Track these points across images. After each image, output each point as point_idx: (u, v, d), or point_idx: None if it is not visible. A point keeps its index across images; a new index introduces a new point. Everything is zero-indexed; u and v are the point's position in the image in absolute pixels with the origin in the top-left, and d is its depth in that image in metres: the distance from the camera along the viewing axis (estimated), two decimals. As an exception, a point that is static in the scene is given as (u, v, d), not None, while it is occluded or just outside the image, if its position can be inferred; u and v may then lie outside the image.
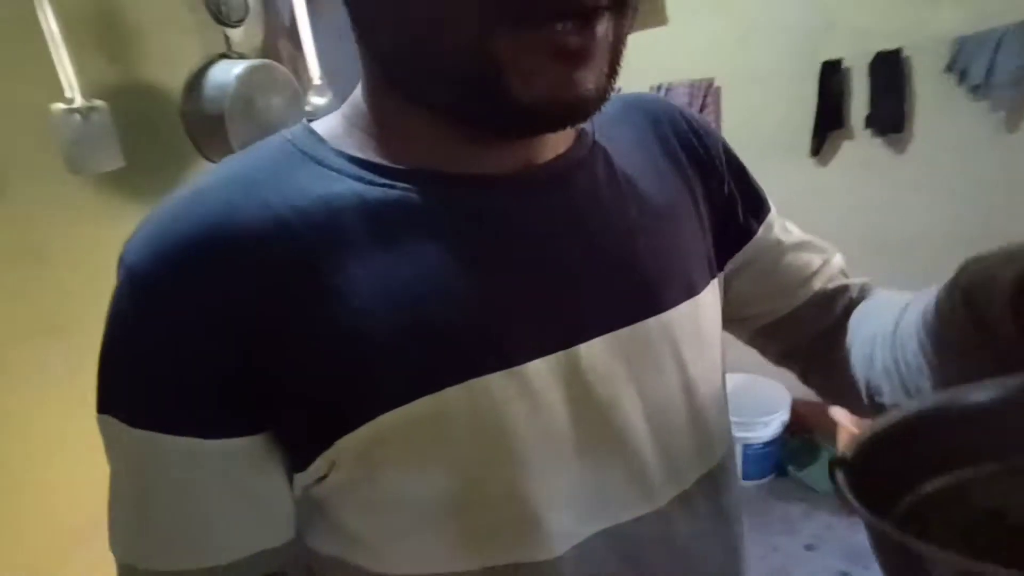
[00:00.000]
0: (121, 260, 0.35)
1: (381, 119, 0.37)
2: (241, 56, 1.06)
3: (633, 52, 0.31)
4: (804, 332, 0.49)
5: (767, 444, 1.84)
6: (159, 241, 0.33)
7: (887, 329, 0.41)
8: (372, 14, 0.33)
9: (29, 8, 0.80)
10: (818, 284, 0.48)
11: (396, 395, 0.33)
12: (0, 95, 0.88)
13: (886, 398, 0.42)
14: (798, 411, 1.94)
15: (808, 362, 0.51)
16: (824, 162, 1.74)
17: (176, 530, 0.34)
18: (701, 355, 0.41)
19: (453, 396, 0.33)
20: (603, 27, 0.30)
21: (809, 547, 1.62)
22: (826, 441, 1.94)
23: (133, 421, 0.33)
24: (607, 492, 0.37)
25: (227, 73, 1.02)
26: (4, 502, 0.94)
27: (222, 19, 1.02)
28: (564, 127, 0.35)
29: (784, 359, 0.52)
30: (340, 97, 1.20)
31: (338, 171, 0.35)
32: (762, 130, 1.76)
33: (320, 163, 0.36)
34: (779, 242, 0.48)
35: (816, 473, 1.87)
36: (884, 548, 0.25)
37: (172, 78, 1.06)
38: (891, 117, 1.58)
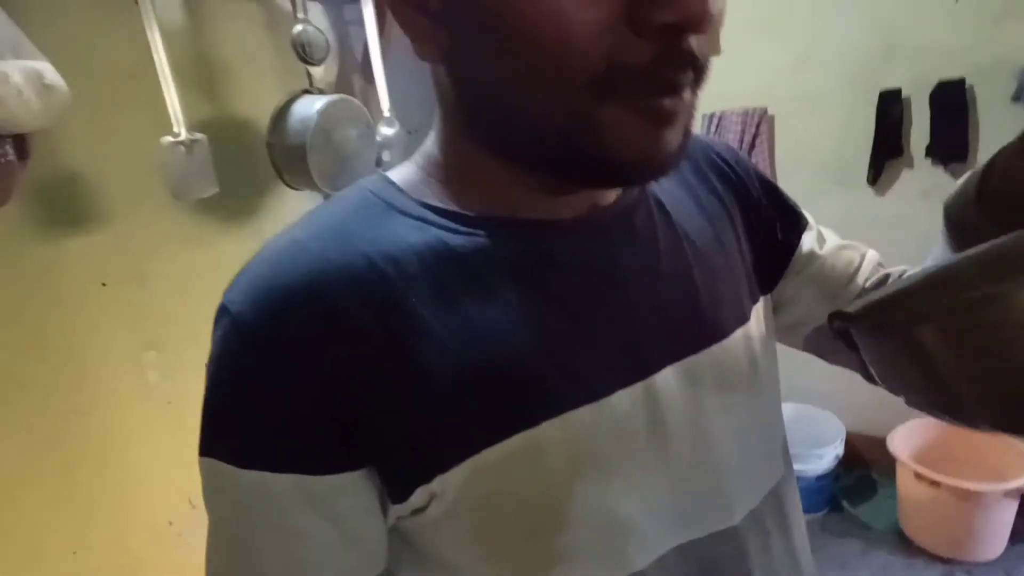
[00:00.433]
0: (224, 308, 0.36)
1: (458, 168, 0.39)
2: (321, 91, 1.14)
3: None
4: None
5: (820, 478, 1.79)
6: (263, 292, 0.35)
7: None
8: (473, 75, 0.35)
9: (146, 52, 0.89)
10: (861, 279, 0.50)
11: (495, 432, 0.35)
12: (116, 130, 0.97)
13: None
14: (853, 444, 1.89)
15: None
16: (882, 191, 1.72)
17: (280, 567, 0.35)
18: (758, 374, 0.44)
19: (548, 429, 0.35)
20: (688, 93, 0.33)
21: (866, 587, 1.57)
22: (884, 477, 1.87)
23: (241, 463, 0.34)
24: (687, 509, 0.40)
25: (309, 107, 1.10)
26: (105, 500, 1.01)
27: (306, 58, 1.10)
28: (649, 181, 0.39)
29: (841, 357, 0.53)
30: (405, 126, 1.27)
31: (422, 220, 0.37)
32: (817, 158, 1.75)
33: (404, 213, 0.37)
34: (820, 249, 0.50)
35: (873, 510, 1.80)
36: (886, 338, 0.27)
37: (260, 112, 1.14)
38: (953, 146, 1.55)
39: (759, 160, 1.82)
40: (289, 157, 1.11)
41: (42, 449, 0.93)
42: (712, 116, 1.85)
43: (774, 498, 0.44)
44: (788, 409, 1.99)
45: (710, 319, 0.42)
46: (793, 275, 0.49)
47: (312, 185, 1.14)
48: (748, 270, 0.46)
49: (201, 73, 1.13)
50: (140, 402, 1.05)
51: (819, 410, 1.96)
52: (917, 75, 1.57)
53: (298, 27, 1.08)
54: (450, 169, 0.39)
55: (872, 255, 0.52)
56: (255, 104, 1.18)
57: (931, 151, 1.59)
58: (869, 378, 0.50)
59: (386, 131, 1.29)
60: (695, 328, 0.41)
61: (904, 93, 1.59)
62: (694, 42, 0.31)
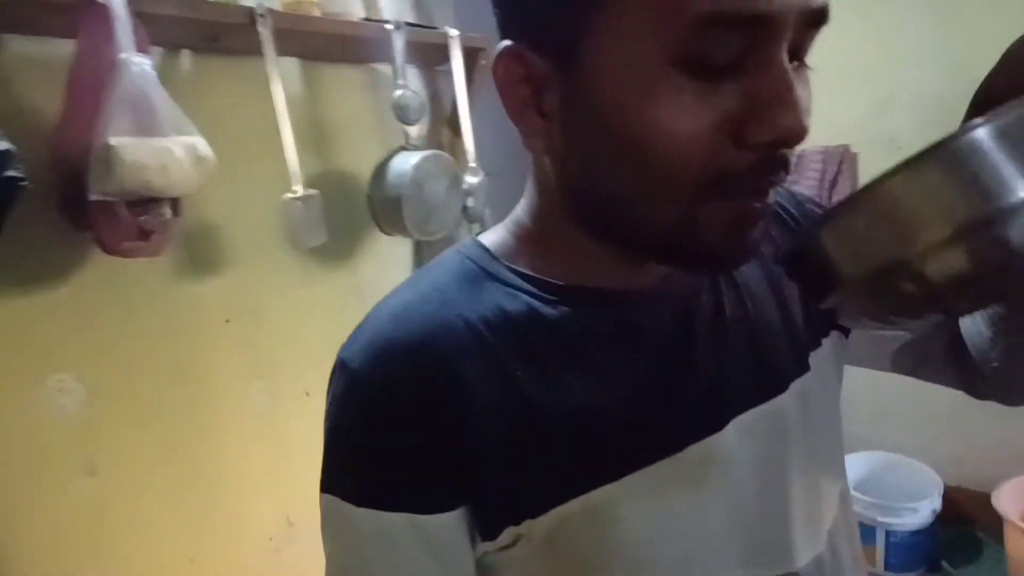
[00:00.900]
0: (343, 364, 0.39)
1: (548, 239, 0.42)
2: (416, 148, 1.25)
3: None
4: (939, 336, 0.49)
5: (915, 533, 1.68)
6: (378, 349, 0.38)
7: None
8: (580, 172, 0.37)
9: (272, 118, 1.03)
10: None
11: (580, 485, 0.38)
12: (245, 187, 1.12)
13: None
14: (953, 499, 1.76)
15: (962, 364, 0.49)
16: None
17: None
18: (816, 422, 0.45)
19: (627, 484, 0.38)
20: (773, 192, 0.36)
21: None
22: (989, 536, 1.73)
23: (358, 501, 0.38)
24: (752, 556, 0.42)
25: (406, 163, 1.21)
26: (216, 513, 1.12)
27: (403, 119, 1.22)
28: (735, 268, 0.42)
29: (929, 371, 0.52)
30: (486, 170, 1.35)
31: (515, 287, 0.41)
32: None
33: (498, 280, 0.41)
34: None
35: (979, 573, 1.67)
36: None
37: (363, 167, 1.27)
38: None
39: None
40: (386, 207, 1.22)
41: (167, 464, 1.05)
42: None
43: (832, 536, 0.46)
44: (878, 458, 1.89)
45: (770, 373, 0.44)
46: None
47: (405, 232, 1.24)
48: (810, 314, 0.47)
49: (316, 134, 1.27)
50: (249, 426, 1.17)
51: (913, 460, 1.85)
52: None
53: (398, 92, 1.20)
54: (540, 238, 0.42)
55: None
56: (359, 160, 1.31)
57: None
58: (972, 391, 0.49)
59: (471, 180, 1.39)
60: (757, 382, 0.43)
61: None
62: (788, 151, 0.33)
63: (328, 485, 0.40)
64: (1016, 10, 1.47)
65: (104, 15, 0.76)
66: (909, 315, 0.29)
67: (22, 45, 0.85)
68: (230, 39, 1.01)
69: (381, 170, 1.23)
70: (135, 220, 0.80)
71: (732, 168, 0.33)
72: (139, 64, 0.78)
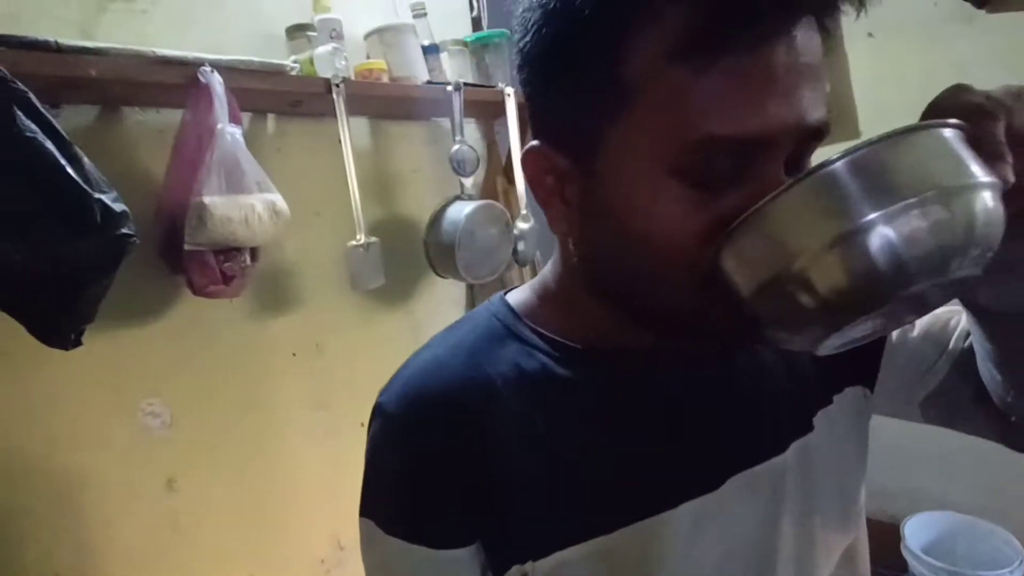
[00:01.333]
0: (380, 406, 0.44)
1: (568, 304, 0.46)
2: (471, 197, 1.34)
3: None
4: (965, 385, 0.48)
5: (990, 604, 1.57)
6: (411, 398, 0.43)
7: None
8: (596, 255, 0.41)
9: (341, 171, 1.14)
10: (953, 326, 0.49)
11: (579, 534, 0.41)
12: (314, 234, 1.24)
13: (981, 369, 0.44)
14: (1035, 571, 1.63)
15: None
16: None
17: None
18: (825, 477, 0.47)
19: (621, 536, 0.41)
20: None
21: None
22: (1077, 615, 1.59)
23: (387, 529, 0.43)
24: None
25: (459, 212, 1.30)
26: (275, 533, 1.21)
27: (459, 172, 1.31)
28: (739, 349, 0.45)
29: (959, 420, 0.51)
30: (538, 220, 1.42)
31: (534, 347, 0.45)
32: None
33: (519, 339, 0.45)
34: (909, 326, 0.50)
35: (1063, 654, 1.53)
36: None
37: (421, 214, 1.37)
38: None
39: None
40: (441, 253, 1.31)
41: (235, 484, 1.15)
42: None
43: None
44: (949, 519, 1.78)
45: (770, 433, 0.47)
46: (888, 356, 0.50)
47: (458, 276, 1.32)
48: (821, 370, 0.49)
49: (381, 185, 1.39)
50: (308, 453, 1.26)
51: (990, 524, 1.73)
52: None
53: (455, 146, 1.30)
54: (561, 302, 0.47)
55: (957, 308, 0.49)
56: (418, 208, 1.41)
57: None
58: (1006, 441, 0.48)
59: (522, 226, 1.46)
60: (756, 442, 0.46)
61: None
62: None
63: (365, 510, 0.45)
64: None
65: (206, 93, 0.90)
66: (798, 328, 0.33)
67: (138, 116, 1.01)
68: (310, 104, 1.14)
69: (437, 218, 1.32)
70: (220, 266, 0.91)
71: None
72: (232, 133, 0.91)
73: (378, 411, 0.45)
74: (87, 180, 0.72)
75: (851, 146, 0.30)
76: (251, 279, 0.99)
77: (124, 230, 0.74)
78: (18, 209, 0.67)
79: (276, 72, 1.00)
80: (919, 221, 0.28)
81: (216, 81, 0.89)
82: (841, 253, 0.29)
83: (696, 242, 0.35)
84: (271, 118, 1.19)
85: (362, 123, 1.35)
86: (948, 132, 0.31)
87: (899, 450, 1.64)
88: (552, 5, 0.36)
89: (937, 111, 0.33)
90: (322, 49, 1.08)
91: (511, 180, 1.53)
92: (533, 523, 0.42)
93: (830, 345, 0.34)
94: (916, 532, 1.75)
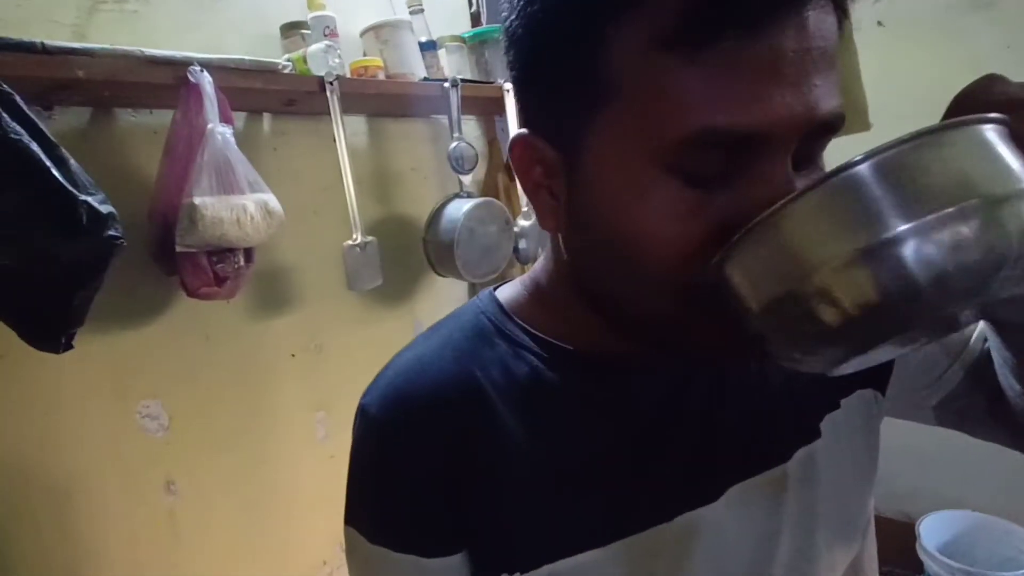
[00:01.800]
0: (362, 408, 0.42)
1: (559, 304, 0.43)
2: (470, 195, 1.32)
3: (834, 155, 0.33)
4: (979, 392, 0.47)
5: (1010, 607, 1.53)
6: (393, 400, 0.41)
7: None
8: (584, 257, 0.39)
9: (337, 171, 1.13)
10: (969, 343, 0.47)
11: (570, 547, 0.39)
12: (310, 234, 1.23)
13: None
14: (1056, 571, 1.59)
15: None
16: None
17: None
18: (829, 486, 0.44)
19: (616, 549, 0.39)
20: None
21: None
22: (1098, 617, 1.54)
23: (372, 538, 0.41)
24: None
25: (459, 210, 1.28)
26: (276, 534, 1.21)
27: (458, 169, 1.29)
28: (724, 366, 0.42)
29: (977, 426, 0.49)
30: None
31: (523, 347, 0.43)
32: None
33: (508, 339, 0.43)
34: None
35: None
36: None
37: (420, 212, 1.36)
38: None
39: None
40: (440, 251, 1.30)
41: (235, 486, 1.15)
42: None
43: None
44: (967, 519, 1.74)
45: (771, 442, 0.44)
46: (901, 359, 0.47)
47: (457, 274, 1.31)
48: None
49: (379, 184, 1.38)
50: (308, 453, 1.25)
51: (1009, 524, 1.69)
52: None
53: (453, 144, 1.28)
54: (551, 301, 0.44)
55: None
56: (416, 206, 1.40)
57: None
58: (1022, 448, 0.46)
59: (523, 223, 1.44)
60: (756, 452, 0.43)
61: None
62: None
63: (349, 518, 0.44)
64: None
65: (196, 92, 0.89)
66: (814, 348, 0.29)
67: (131, 117, 1.00)
68: (305, 103, 1.13)
69: (436, 216, 1.31)
70: (212, 267, 0.91)
71: None
72: (222, 133, 0.90)
73: (361, 414, 0.43)
74: (73, 182, 0.72)
75: (878, 146, 0.26)
76: (246, 280, 0.98)
77: (111, 232, 0.73)
78: (2, 211, 0.67)
79: (268, 71, 1.00)
80: (960, 234, 0.25)
81: (206, 80, 0.89)
82: (873, 267, 0.25)
83: (687, 247, 0.32)
84: (267, 117, 1.18)
85: (359, 121, 1.34)
86: (989, 129, 0.27)
87: (915, 449, 1.60)
88: None
89: (967, 104, 0.30)
90: (315, 47, 1.07)
91: (512, 177, 1.51)
92: (522, 533, 0.40)
93: (844, 369, 0.30)
94: (932, 532, 1.71)
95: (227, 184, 0.90)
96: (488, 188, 1.58)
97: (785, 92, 0.30)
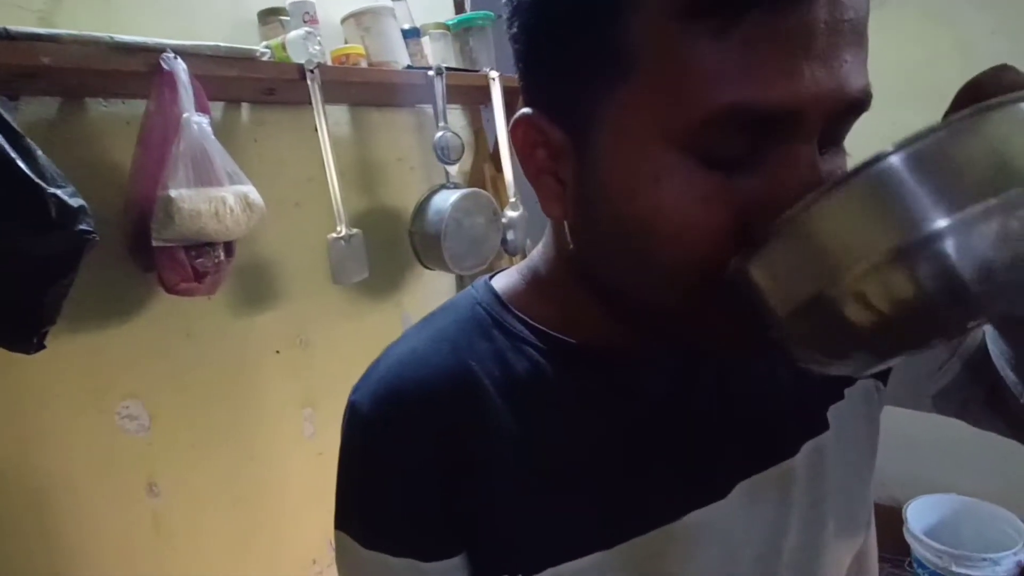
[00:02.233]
0: (352, 405, 0.40)
1: (560, 294, 0.41)
2: (456, 186, 1.30)
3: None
4: (978, 384, 0.46)
5: (995, 588, 1.55)
6: (384, 396, 0.39)
7: None
8: (592, 245, 0.36)
9: (320, 161, 1.10)
10: (968, 336, 0.46)
11: (574, 550, 0.38)
12: (294, 226, 1.20)
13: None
14: (1040, 552, 1.61)
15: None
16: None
17: None
18: (834, 478, 0.43)
19: (622, 551, 0.38)
20: None
21: None
22: (1083, 597, 1.57)
23: (364, 543, 0.39)
24: None
25: (445, 201, 1.26)
26: (264, 533, 1.19)
27: (443, 159, 1.27)
28: (738, 360, 0.41)
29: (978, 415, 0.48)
30: (528, 208, 1.39)
31: (522, 340, 0.40)
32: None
33: (506, 331, 0.41)
34: None
35: (1068, 636, 1.51)
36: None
37: (406, 204, 1.33)
38: None
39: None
40: (426, 243, 1.27)
41: (221, 486, 1.12)
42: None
43: None
44: (952, 502, 1.76)
45: (778, 436, 0.43)
46: None
47: (445, 267, 1.29)
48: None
49: (363, 175, 1.35)
50: (296, 451, 1.23)
51: (994, 507, 1.71)
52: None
53: (439, 133, 1.25)
54: (551, 291, 0.42)
55: None
56: (402, 198, 1.38)
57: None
58: (1021, 439, 0.46)
59: (511, 214, 1.42)
60: (764, 446, 0.42)
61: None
62: None
63: (340, 522, 0.41)
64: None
65: (170, 80, 0.85)
66: (845, 353, 0.28)
67: (103, 107, 0.97)
68: (285, 92, 1.09)
69: (422, 207, 1.28)
70: (191, 262, 0.88)
71: None
72: (199, 122, 0.87)
73: (350, 411, 0.41)
74: (41, 174, 0.68)
75: (911, 135, 0.24)
76: (226, 275, 0.95)
77: (82, 226, 0.70)
78: (-36, 206, 0.64)
79: (246, 58, 0.96)
80: (1006, 225, 0.23)
81: (180, 68, 0.85)
82: (913, 266, 0.24)
83: (706, 235, 0.29)
84: (245, 107, 1.15)
85: (342, 111, 1.31)
86: None
87: (901, 434, 1.61)
88: None
89: (977, 94, 0.28)
90: (294, 34, 1.03)
91: (499, 168, 1.48)
92: (522, 535, 0.38)
93: (873, 370, 0.29)
94: (919, 515, 1.73)
95: (205, 176, 0.87)
96: (474, 179, 1.55)
97: (816, 68, 0.28)
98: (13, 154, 0.66)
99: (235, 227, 0.89)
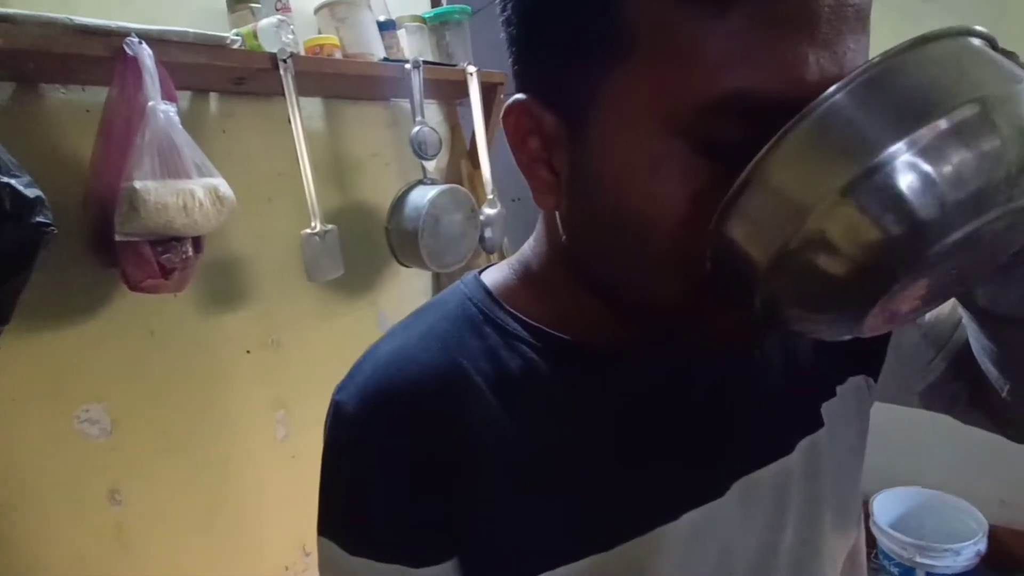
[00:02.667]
0: (337, 405, 0.38)
1: (553, 289, 0.40)
2: (433, 181, 1.28)
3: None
4: (963, 381, 0.47)
5: (957, 577, 1.60)
6: (373, 398, 0.37)
7: None
8: (586, 238, 0.35)
9: (293, 155, 1.06)
10: (953, 334, 0.46)
11: (570, 553, 0.36)
12: (266, 222, 1.16)
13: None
14: (1000, 540, 1.67)
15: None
16: None
17: None
18: (829, 476, 0.43)
19: (620, 553, 0.37)
20: None
21: None
22: (1040, 583, 1.63)
23: (350, 549, 0.37)
24: None
25: (422, 197, 1.24)
26: (235, 541, 1.14)
27: (420, 154, 1.24)
28: (737, 356, 0.40)
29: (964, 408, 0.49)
30: (507, 195, 1.37)
31: (515, 337, 0.39)
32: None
33: (498, 328, 0.39)
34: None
35: (1027, 621, 1.57)
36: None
37: (382, 200, 1.30)
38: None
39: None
40: (403, 240, 1.24)
41: (188, 493, 1.07)
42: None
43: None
44: (916, 495, 1.81)
45: (775, 434, 0.42)
46: (894, 345, 0.47)
47: (422, 264, 1.26)
48: (822, 362, 0.45)
49: (338, 170, 1.31)
50: (269, 455, 1.19)
51: (956, 499, 1.76)
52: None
53: (415, 128, 1.23)
54: (544, 286, 0.41)
55: None
56: (377, 194, 1.34)
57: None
58: (1004, 433, 0.47)
59: (489, 211, 1.40)
60: (760, 444, 0.42)
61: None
62: None
63: (324, 529, 0.40)
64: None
65: (133, 66, 0.81)
66: (827, 305, 0.27)
67: (61, 94, 0.91)
68: (255, 82, 1.05)
69: (399, 204, 1.26)
70: (157, 258, 0.83)
71: None
72: (165, 111, 0.83)
73: (336, 412, 0.39)
74: (-7, 162, 0.64)
75: (858, 69, 0.25)
76: (195, 272, 0.91)
77: (39, 218, 0.66)
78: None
79: (215, 45, 0.92)
80: (958, 143, 0.23)
81: (145, 53, 0.81)
82: (864, 199, 0.24)
83: (704, 225, 0.28)
84: (214, 97, 1.10)
85: (315, 103, 1.27)
86: (977, 41, 0.26)
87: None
88: None
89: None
90: (266, 21, 1.00)
91: (476, 164, 1.47)
92: (518, 539, 0.37)
93: (868, 328, 0.28)
94: (884, 508, 1.78)
95: (172, 167, 0.83)
96: (451, 176, 1.53)
97: (820, 54, 0.27)
98: (-38, 140, 0.61)
99: (204, 221, 0.85)
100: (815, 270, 0.25)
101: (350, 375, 0.40)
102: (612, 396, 0.39)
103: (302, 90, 1.05)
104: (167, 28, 0.86)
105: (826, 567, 0.44)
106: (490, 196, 1.42)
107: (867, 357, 0.47)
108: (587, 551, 0.37)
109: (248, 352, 1.16)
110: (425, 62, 1.24)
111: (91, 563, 0.96)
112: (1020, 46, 0.29)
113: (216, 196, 0.87)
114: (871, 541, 1.72)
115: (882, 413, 0.49)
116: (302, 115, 1.05)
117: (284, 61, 1.00)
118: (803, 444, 0.43)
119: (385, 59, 1.23)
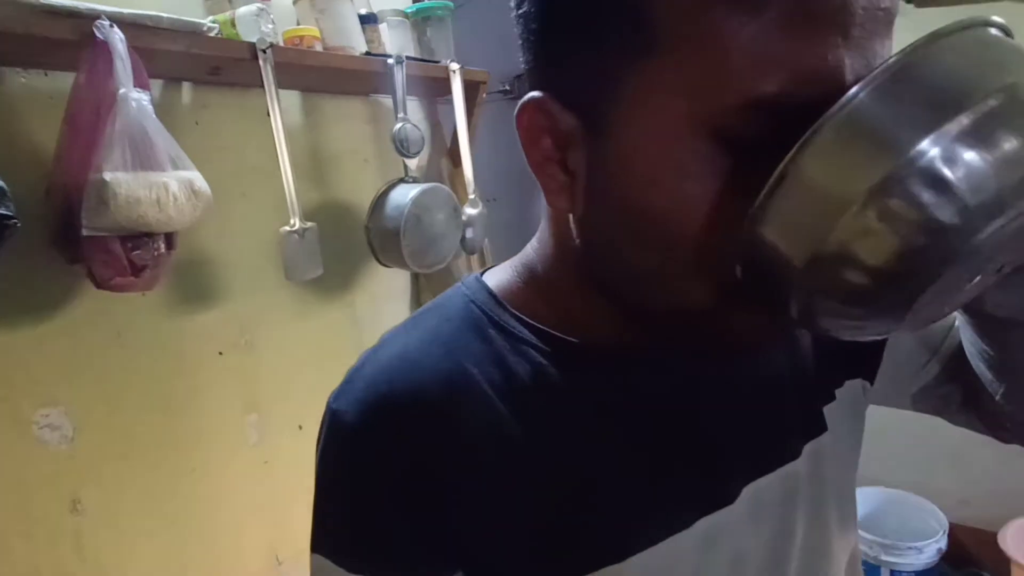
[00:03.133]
0: (334, 414, 0.37)
1: (561, 293, 0.39)
2: (415, 180, 1.25)
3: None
4: (955, 385, 0.47)
5: (920, 573, 1.65)
6: (373, 406, 0.36)
7: None
8: (602, 241, 0.34)
9: (272, 150, 1.02)
10: (946, 338, 0.47)
11: (584, 563, 0.35)
12: (243, 218, 1.11)
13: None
14: (959, 539, 1.72)
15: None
16: None
17: None
18: (832, 479, 0.43)
19: (636, 563, 0.36)
20: None
21: None
22: (996, 578, 1.69)
23: (346, 565, 0.36)
24: None
25: (404, 195, 1.21)
26: (205, 551, 1.09)
27: (403, 152, 1.22)
28: (757, 357, 0.40)
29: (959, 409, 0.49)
30: (485, 196, 1.35)
31: (522, 340, 0.38)
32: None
33: (503, 331, 0.38)
34: None
35: (986, 616, 1.63)
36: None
37: (362, 198, 1.27)
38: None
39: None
40: (384, 239, 1.21)
41: (155, 499, 1.02)
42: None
43: None
44: (881, 494, 1.86)
45: (782, 438, 0.42)
46: (890, 349, 0.47)
47: (403, 264, 1.23)
48: (822, 366, 0.45)
49: (316, 166, 1.27)
50: (240, 461, 1.15)
51: (918, 498, 1.82)
52: None
53: (398, 125, 1.20)
54: (551, 289, 0.39)
55: None
56: (359, 191, 1.31)
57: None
58: (997, 436, 0.47)
59: (470, 211, 1.38)
60: (768, 449, 0.42)
61: None
62: None
63: (316, 544, 0.38)
64: None
65: (104, 51, 0.76)
66: (867, 299, 0.27)
67: (22, 79, 0.86)
68: (231, 72, 1.01)
69: (380, 202, 1.22)
70: (128, 255, 0.79)
71: None
72: (137, 99, 0.78)
73: (332, 421, 0.37)
74: (-51, 149, 0.59)
75: (890, 58, 0.25)
76: (166, 269, 0.87)
77: (1, 210, 0.61)
78: None
79: (191, 32, 0.88)
80: (999, 126, 0.23)
81: (116, 38, 0.76)
82: (908, 188, 0.23)
83: (732, 225, 0.28)
84: (187, 87, 1.06)
85: (293, 97, 1.23)
86: (995, 32, 0.26)
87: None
88: None
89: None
90: (245, 9, 0.96)
91: (457, 163, 1.45)
92: (527, 550, 0.36)
93: (917, 320, 0.27)
94: (852, 508, 1.82)
95: (145, 159, 0.78)
96: (430, 175, 1.51)
97: (854, 57, 0.27)
98: (-85, 124, 0.57)
99: (179, 217, 0.81)
100: (860, 264, 0.25)
101: (347, 381, 0.38)
102: (624, 401, 0.38)
103: (280, 82, 1.01)
104: (141, 12, 0.82)
105: (834, 569, 0.44)
106: (471, 196, 1.40)
107: (864, 361, 0.47)
108: (601, 563, 0.36)
109: (220, 354, 1.11)
110: (408, 58, 1.21)
111: (49, 573, 0.90)
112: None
113: (191, 190, 0.82)
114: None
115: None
116: (281, 109, 1.01)
117: (263, 51, 0.96)
118: (809, 448, 0.43)
119: (368, 53, 1.19)
